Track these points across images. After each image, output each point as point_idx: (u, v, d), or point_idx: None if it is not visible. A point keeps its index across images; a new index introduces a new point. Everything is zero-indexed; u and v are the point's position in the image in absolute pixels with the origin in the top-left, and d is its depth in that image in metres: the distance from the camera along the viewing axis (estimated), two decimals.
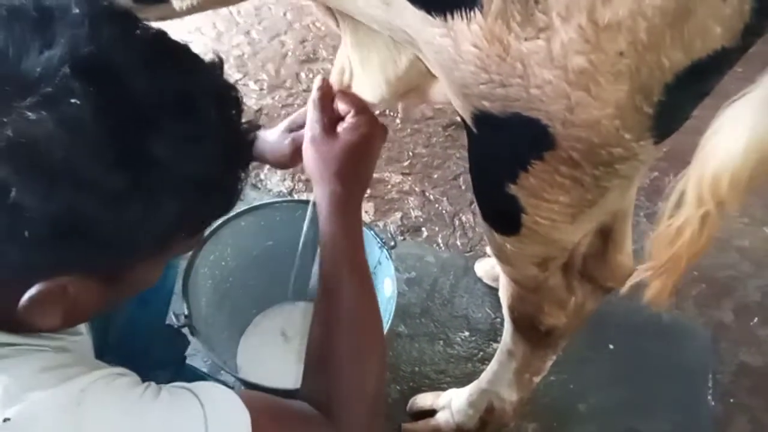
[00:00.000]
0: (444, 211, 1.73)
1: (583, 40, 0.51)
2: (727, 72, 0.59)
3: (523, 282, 0.88)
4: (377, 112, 0.85)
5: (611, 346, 1.43)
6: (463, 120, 0.69)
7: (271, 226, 1.28)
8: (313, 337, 0.74)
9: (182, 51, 0.57)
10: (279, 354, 1.30)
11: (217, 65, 0.59)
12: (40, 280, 0.52)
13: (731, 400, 1.35)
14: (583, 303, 0.94)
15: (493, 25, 0.53)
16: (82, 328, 0.67)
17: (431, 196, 1.77)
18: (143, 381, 0.59)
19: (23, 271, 0.52)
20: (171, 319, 1.09)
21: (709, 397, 1.35)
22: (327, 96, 0.81)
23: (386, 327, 1.08)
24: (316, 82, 0.83)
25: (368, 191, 1.74)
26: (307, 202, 1.31)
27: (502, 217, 0.76)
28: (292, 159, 0.96)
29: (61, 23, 0.51)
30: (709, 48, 0.52)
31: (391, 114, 1.98)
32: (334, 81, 0.87)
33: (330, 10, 0.77)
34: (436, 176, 1.82)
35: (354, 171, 0.77)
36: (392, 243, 1.22)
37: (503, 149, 0.67)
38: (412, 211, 1.73)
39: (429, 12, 0.57)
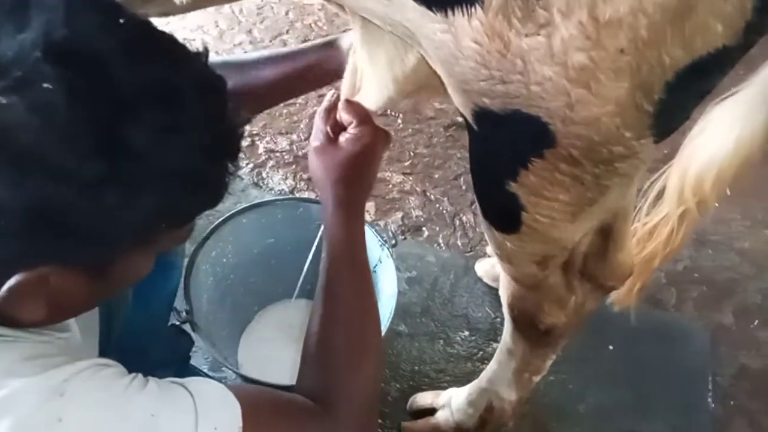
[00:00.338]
0: (445, 211, 1.73)
1: (583, 36, 0.51)
2: (728, 71, 0.59)
3: (522, 280, 0.88)
4: (379, 112, 0.85)
5: (611, 347, 1.42)
6: (463, 117, 0.69)
7: (272, 224, 1.29)
8: (311, 333, 0.74)
9: (166, 40, 0.55)
10: (280, 351, 1.30)
11: (202, 54, 0.57)
12: (19, 270, 0.51)
13: (731, 403, 1.35)
14: (583, 302, 0.94)
15: (493, 20, 0.53)
16: (72, 326, 0.66)
17: (432, 196, 1.77)
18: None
19: (1, 261, 0.51)
20: (172, 317, 1.09)
21: (709, 400, 1.35)
22: (333, 108, 0.84)
23: (387, 325, 1.09)
24: (328, 96, 0.86)
25: None
26: (308, 200, 1.32)
27: (502, 215, 0.76)
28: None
29: (37, 8, 0.49)
30: (710, 46, 0.52)
31: (393, 114, 1.98)
32: (346, 81, 0.87)
33: (340, 6, 0.77)
34: (437, 176, 1.82)
35: (355, 178, 0.79)
36: (393, 242, 1.22)
37: (503, 146, 0.67)
38: (413, 210, 1.73)
39: (430, 7, 0.57)
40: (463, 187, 1.78)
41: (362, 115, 0.81)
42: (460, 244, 1.65)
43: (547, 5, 0.51)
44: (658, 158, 1.66)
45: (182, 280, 1.13)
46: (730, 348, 1.44)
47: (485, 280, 1.52)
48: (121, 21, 0.52)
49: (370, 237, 1.20)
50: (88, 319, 0.68)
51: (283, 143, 1.90)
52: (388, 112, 1.97)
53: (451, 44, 0.58)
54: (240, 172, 1.64)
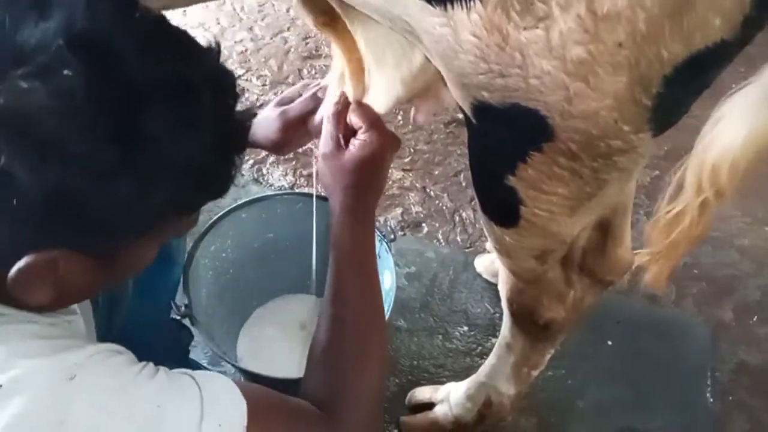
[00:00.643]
0: (444, 207, 1.73)
1: (581, 30, 0.51)
2: (726, 65, 0.59)
3: (521, 275, 0.88)
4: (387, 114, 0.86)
5: (610, 343, 1.42)
6: (462, 111, 0.69)
7: (271, 219, 1.29)
8: (318, 338, 0.75)
9: (180, 35, 0.57)
10: (279, 345, 1.30)
11: (214, 51, 0.58)
12: (30, 252, 0.52)
13: (730, 399, 1.35)
14: (582, 297, 0.95)
15: (492, 14, 0.53)
16: (76, 308, 0.67)
17: (432, 192, 1.77)
18: None
19: (12, 242, 0.51)
20: (172, 310, 1.09)
21: (708, 396, 1.35)
22: (342, 112, 0.83)
23: (385, 319, 1.09)
24: (337, 98, 0.85)
25: None
26: (308, 195, 1.32)
27: (501, 209, 0.76)
28: (280, 134, 0.96)
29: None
30: (709, 40, 0.52)
31: (393, 111, 1.98)
32: (332, 86, 0.87)
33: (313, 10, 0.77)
34: (437, 173, 1.82)
35: (365, 184, 0.79)
36: (392, 236, 1.22)
37: (502, 140, 0.67)
38: (412, 206, 1.73)
39: (429, 1, 0.57)
40: (463, 184, 1.78)
41: (372, 119, 0.81)
42: (459, 240, 1.65)
43: None
44: (659, 155, 1.69)
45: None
46: (730, 344, 1.44)
47: (484, 275, 1.52)
48: (138, 15, 0.54)
49: None
50: (82, 308, 0.69)
51: None
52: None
53: (450, 38, 0.58)
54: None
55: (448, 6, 0.56)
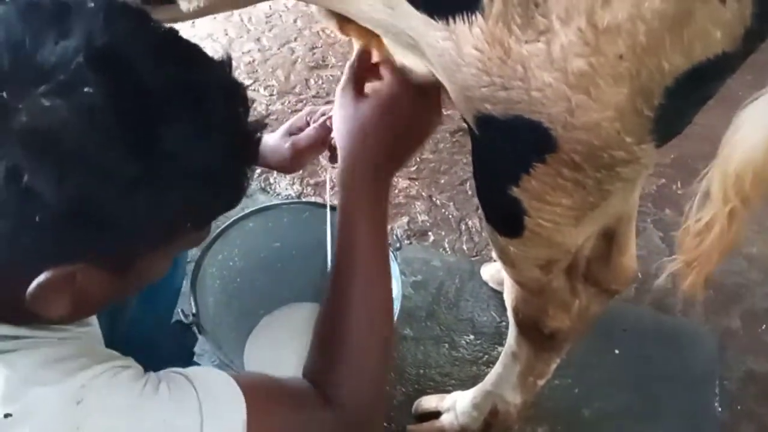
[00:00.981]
0: (450, 216, 1.73)
1: (582, 42, 0.52)
2: (728, 77, 0.59)
3: (526, 284, 0.89)
4: None
5: (617, 351, 1.42)
6: (466, 123, 0.70)
7: (278, 228, 1.30)
8: (323, 315, 0.73)
9: (193, 48, 0.58)
10: (286, 354, 1.31)
11: (226, 63, 0.60)
12: (49, 267, 0.52)
13: (738, 407, 1.34)
14: (587, 306, 0.95)
15: (494, 27, 0.54)
16: (92, 319, 0.68)
17: (438, 201, 1.77)
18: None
19: (34, 256, 0.52)
20: (179, 316, 1.10)
21: (716, 404, 1.34)
22: (365, 60, 0.79)
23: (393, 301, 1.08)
24: (357, 52, 0.80)
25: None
26: (314, 204, 1.33)
27: (505, 219, 0.77)
28: (291, 162, 0.98)
29: (77, 15, 0.52)
30: (710, 52, 0.53)
31: None
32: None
33: (335, 16, 0.78)
34: (443, 181, 1.83)
35: (385, 137, 0.73)
36: (398, 245, 1.23)
37: (506, 152, 0.68)
38: (419, 215, 1.74)
39: (432, 15, 0.58)
40: (469, 192, 1.78)
41: (395, 71, 0.75)
42: (465, 248, 1.65)
43: (546, 12, 0.52)
44: (666, 163, 1.69)
45: (187, 281, 1.14)
46: (738, 352, 1.44)
47: (491, 284, 1.52)
48: (152, 28, 0.55)
49: None
50: None
51: None
52: None
53: (452, 51, 0.59)
54: None
55: (450, 20, 0.57)
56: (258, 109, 2.06)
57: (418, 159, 1.89)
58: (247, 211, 1.28)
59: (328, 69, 2.24)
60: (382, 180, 0.75)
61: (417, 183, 1.82)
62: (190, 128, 0.54)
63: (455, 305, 1.50)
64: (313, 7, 0.78)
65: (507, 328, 1.15)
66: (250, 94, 0.62)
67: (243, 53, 2.29)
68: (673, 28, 0.51)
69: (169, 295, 1.12)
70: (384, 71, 0.77)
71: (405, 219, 1.72)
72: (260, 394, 0.62)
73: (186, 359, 1.19)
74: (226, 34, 2.38)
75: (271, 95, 2.13)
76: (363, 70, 0.79)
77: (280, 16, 2.48)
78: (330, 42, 2.35)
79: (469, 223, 1.71)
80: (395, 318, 1.11)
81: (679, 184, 1.71)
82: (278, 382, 0.68)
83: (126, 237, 0.54)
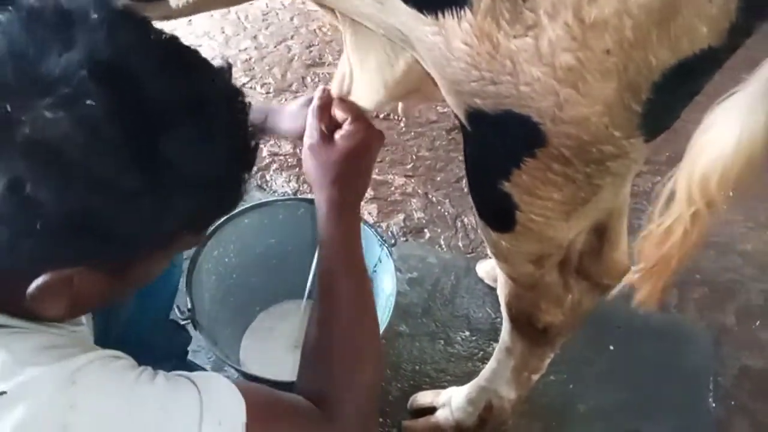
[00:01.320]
0: (446, 213, 1.74)
1: (570, 37, 0.52)
2: (716, 71, 0.60)
3: (519, 279, 0.89)
4: (381, 116, 0.86)
5: (611, 348, 1.43)
6: (457, 118, 0.70)
7: (273, 224, 1.30)
8: (310, 334, 0.75)
9: (194, 56, 0.59)
10: (281, 351, 1.31)
11: (226, 70, 0.60)
12: (48, 271, 0.53)
13: (732, 403, 1.35)
14: (579, 301, 0.95)
15: (482, 22, 0.55)
16: (83, 319, 0.69)
17: (434, 198, 1.78)
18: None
19: (34, 262, 0.53)
20: (175, 315, 1.11)
21: (710, 400, 1.35)
22: (326, 105, 0.84)
23: (386, 323, 1.10)
24: (317, 92, 0.86)
25: (371, 193, 1.75)
26: (309, 200, 1.33)
27: (497, 214, 0.77)
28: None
29: (80, 27, 0.52)
30: (696, 47, 0.53)
31: (396, 118, 2.00)
32: (335, 87, 0.88)
33: (332, 11, 0.78)
34: (439, 179, 1.83)
35: (351, 176, 0.80)
36: (392, 241, 1.23)
37: (496, 146, 0.68)
38: (414, 212, 1.74)
39: (421, 10, 0.58)
40: (465, 190, 1.79)
41: (356, 111, 0.82)
42: (461, 245, 1.66)
43: (533, 7, 0.52)
44: (660, 161, 1.69)
45: (184, 278, 1.15)
46: (732, 349, 1.44)
47: (486, 281, 1.53)
48: (154, 38, 0.56)
49: (370, 236, 1.22)
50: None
51: (286, 146, 1.92)
52: (391, 116, 1.99)
53: (442, 46, 0.59)
54: None
55: (440, 14, 0.57)
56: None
57: (414, 157, 1.90)
58: (242, 207, 1.27)
59: (325, 67, 2.24)
60: (354, 214, 0.81)
61: (413, 180, 1.83)
62: (193, 138, 0.54)
63: (451, 302, 1.51)
64: (309, 5, 0.79)
65: (502, 324, 1.16)
66: (246, 92, 0.63)
67: (240, 51, 2.30)
68: (660, 23, 0.51)
69: (166, 296, 1.12)
70: (346, 108, 0.82)
71: (401, 216, 1.72)
72: (260, 401, 0.63)
73: (178, 358, 1.19)
74: (223, 32, 2.38)
75: (268, 93, 2.13)
76: (326, 109, 0.84)
77: (277, 13, 2.49)
78: (327, 40, 2.35)
79: (465, 220, 1.72)
80: (390, 314, 1.12)
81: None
82: (276, 393, 0.69)
83: (125, 243, 0.55)
